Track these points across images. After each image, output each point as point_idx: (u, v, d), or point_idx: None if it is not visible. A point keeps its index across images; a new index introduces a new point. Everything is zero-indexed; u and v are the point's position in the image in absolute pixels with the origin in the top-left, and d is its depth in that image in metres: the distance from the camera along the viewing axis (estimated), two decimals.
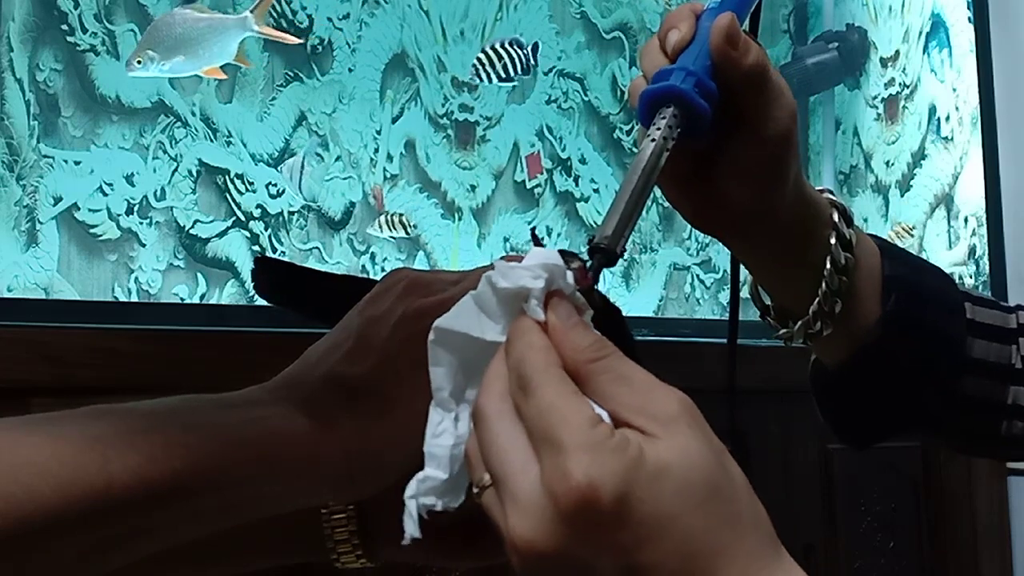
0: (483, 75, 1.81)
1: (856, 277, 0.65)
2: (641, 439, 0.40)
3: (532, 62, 1.84)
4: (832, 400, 0.71)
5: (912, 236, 1.98)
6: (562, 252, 0.46)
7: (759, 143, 0.60)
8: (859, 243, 0.66)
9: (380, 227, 1.79)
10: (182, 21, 1.63)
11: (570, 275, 0.45)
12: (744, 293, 0.71)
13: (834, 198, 0.67)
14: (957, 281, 0.72)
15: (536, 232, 0.49)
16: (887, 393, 0.68)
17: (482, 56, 1.83)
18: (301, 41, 1.78)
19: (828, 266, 0.64)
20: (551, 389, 0.41)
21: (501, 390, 0.43)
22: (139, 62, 1.61)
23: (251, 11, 1.69)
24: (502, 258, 0.46)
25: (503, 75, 1.80)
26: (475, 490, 0.43)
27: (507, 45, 1.81)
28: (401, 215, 1.80)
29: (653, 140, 0.55)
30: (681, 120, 0.56)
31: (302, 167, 1.74)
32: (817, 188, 0.67)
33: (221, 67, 1.68)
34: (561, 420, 0.40)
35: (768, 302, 0.70)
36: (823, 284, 0.64)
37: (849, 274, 0.65)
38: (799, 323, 0.66)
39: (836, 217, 0.65)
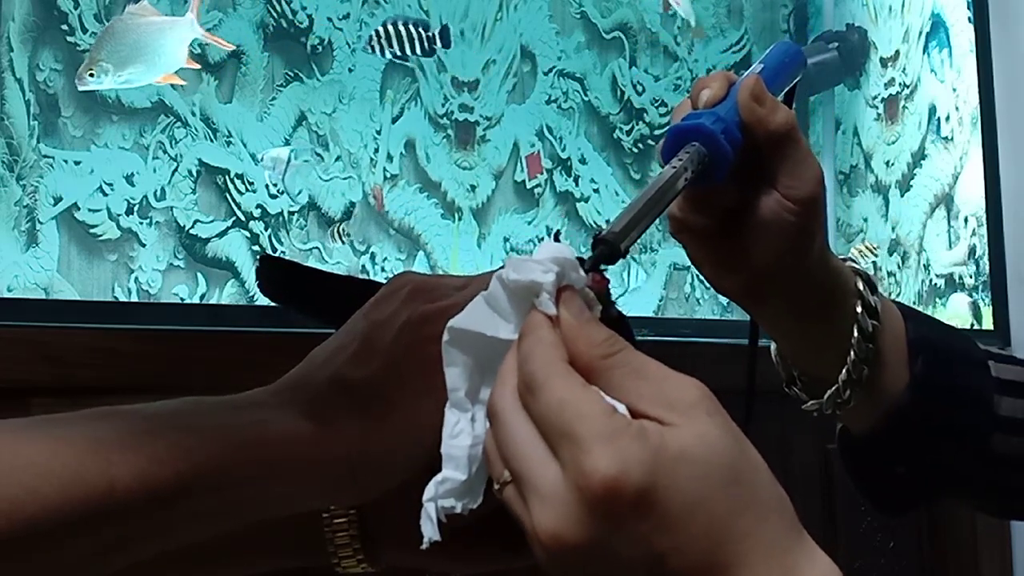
0: (376, 47, 1.79)
1: (882, 343, 0.66)
2: (660, 427, 0.40)
3: (437, 44, 1.83)
4: (864, 468, 0.71)
5: (876, 255, 1.98)
6: (578, 258, 0.46)
7: (783, 205, 0.61)
8: (883, 309, 0.66)
9: (332, 238, 1.80)
10: (135, 26, 1.55)
11: (581, 269, 0.45)
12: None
13: (857, 266, 0.67)
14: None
15: (560, 235, 0.49)
16: (920, 457, 0.68)
17: (380, 30, 1.80)
18: (233, 47, 1.73)
19: (856, 334, 0.65)
20: (559, 384, 0.41)
21: (514, 386, 0.43)
22: (91, 74, 1.52)
23: (191, 12, 1.63)
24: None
25: (398, 53, 1.79)
26: (496, 486, 0.43)
27: (408, 24, 1.80)
28: (341, 224, 1.80)
29: (674, 167, 0.56)
30: (704, 159, 0.57)
31: (288, 161, 1.73)
32: (840, 257, 0.67)
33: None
34: (576, 414, 0.40)
35: (793, 372, 0.70)
36: (851, 352, 0.65)
37: (875, 340, 0.65)
38: (827, 393, 0.67)
39: (861, 285, 0.66)
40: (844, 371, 0.65)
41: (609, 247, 0.48)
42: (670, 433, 0.40)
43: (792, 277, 0.63)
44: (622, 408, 0.41)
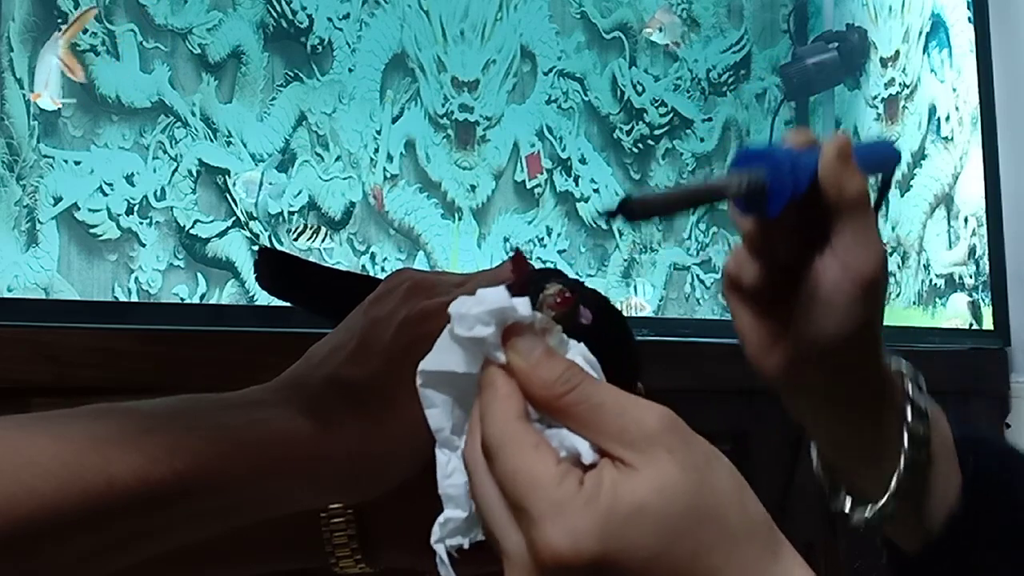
0: None
1: (932, 446, 0.62)
2: (616, 477, 0.40)
3: None
4: None
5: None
6: (545, 271, 0.46)
7: (844, 279, 0.57)
8: (931, 410, 0.62)
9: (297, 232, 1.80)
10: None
11: (526, 302, 0.44)
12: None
13: (903, 369, 0.63)
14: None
15: (520, 252, 0.48)
16: (982, 568, 0.64)
17: None
18: (84, 82, 1.65)
19: (905, 442, 0.61)
20: (511, 451, 0.41)
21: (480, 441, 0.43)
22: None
23: (62, 32, 1.58)
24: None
25: None
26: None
27: None
28: (311, 226, 1.81)
29: (728, 175, 0.54)
30: (761, 182, 0.54)
31: (260, 184, 1.74)
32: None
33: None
34: (526, 484, 0.40)
35: (839, 485, 0.65)
36: (901, 461, 0.61)
37: (927, 446, 0.61)
38: (877, 507, 0.62)
39: (908, 386, 0.62)
40: (894, 481, 0.61)
41: (624, 203, 0.47)
42: (625, 485, 0.40)
43: (840, 363, 0.59)
44: (584, 448, 0.41)
